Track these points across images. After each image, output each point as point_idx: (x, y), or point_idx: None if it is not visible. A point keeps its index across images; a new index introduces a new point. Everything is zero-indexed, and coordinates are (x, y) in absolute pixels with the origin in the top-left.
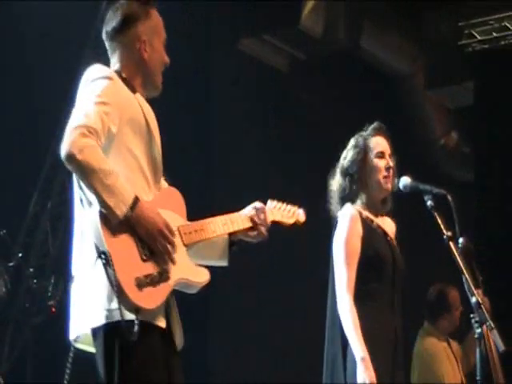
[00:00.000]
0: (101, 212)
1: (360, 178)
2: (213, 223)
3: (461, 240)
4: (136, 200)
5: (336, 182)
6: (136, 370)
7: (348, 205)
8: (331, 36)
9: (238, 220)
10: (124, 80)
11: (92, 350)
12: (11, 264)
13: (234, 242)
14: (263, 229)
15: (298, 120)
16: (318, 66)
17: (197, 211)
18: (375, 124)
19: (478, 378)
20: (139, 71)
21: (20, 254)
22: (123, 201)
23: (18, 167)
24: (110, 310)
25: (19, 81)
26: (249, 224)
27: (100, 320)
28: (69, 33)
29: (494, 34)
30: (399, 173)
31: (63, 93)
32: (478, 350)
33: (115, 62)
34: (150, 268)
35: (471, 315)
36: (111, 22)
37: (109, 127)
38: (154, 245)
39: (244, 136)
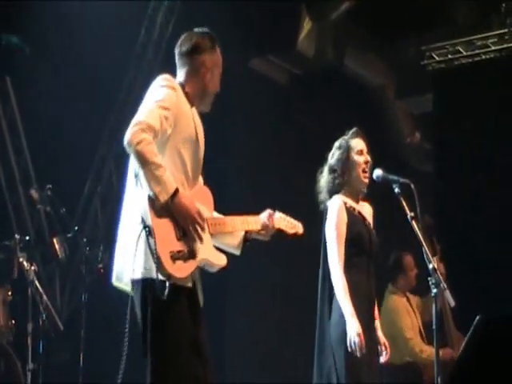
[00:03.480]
0: (149, 196)
1: (344, 173)
2: (233, 221)
3: (425, 217)
4: (176, 191)
5: (324, 178)
6: (166, 321)
7: (336, 196)
8: (321, 56)
9: (252, 222)
10: (186, 93)
11: (128, 289)
12: (69, 235)
13: (248, 239)
14: (268, 233)
15: (295, 123)
16: (311, 80)
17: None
18: (354, 129)
19: (433, 327)
20: (199, 90)
21: (76, 228)
22: (166, 190)
23: (75, 162)
24: (146, 269)
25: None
26: (259, 227)
27: (138, 274)
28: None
29: (449, 56)
30: (373, 166)
31: (109, 99)
32: (433, 306)
33: (181, 75)
34: (182, 246)
35: (428, 278)
36: (185, 44)
37: (165, 129)
38: (187, 227)
39: (253, 135)
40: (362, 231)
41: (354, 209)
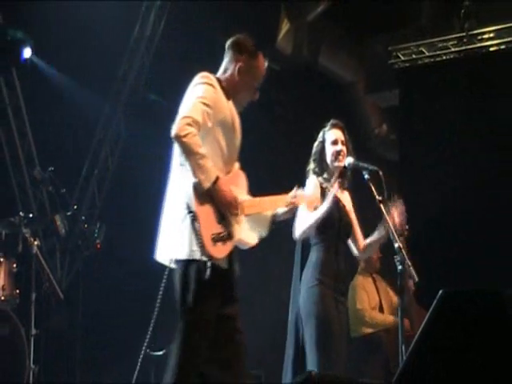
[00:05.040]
0: (194, 184)
1: (320, 162)
2: (264, 202)
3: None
4: (217, 179)
5: (310, 164)
6: (202, 293)
7: (313, 176)
8: (298, 53)
9: (279, 202)
10: (222, 88)
11: (167, 264)
12: (69, 213)
13: (274, 221)
14: (293, 210)
15: (274, 114)
16: (289, 75)
17: None
18: (332, 120)
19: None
20: (231, 86)
21: (75, 206)
22: (209, 178)
23: (74, 146)
24: (192, 250)
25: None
26: (285, 205)
27: (184, 255)
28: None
29: (414, 56)
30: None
31: (104, 89)
32: (398, 281)
33: (221, 69)
34: (221, 228)
35: (394, 256)
36: (231, 41)
37: (206, 122)
38: (225, 211)
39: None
40: (333, 211)
41: (329, 190)
